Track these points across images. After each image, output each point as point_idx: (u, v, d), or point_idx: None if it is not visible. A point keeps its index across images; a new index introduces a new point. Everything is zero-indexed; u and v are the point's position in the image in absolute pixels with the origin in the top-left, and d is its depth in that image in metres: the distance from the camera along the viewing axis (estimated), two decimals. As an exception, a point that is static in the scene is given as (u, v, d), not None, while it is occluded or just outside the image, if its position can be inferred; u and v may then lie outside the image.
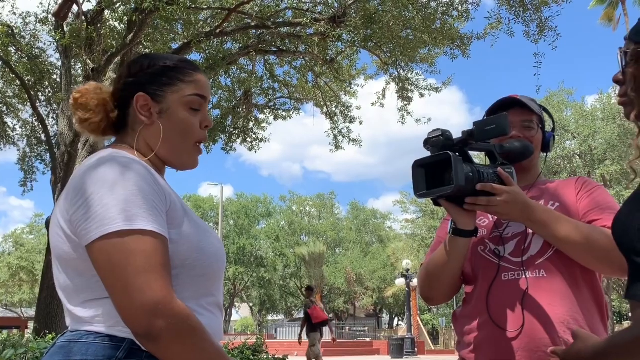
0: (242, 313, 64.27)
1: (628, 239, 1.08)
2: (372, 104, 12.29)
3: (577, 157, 23.87)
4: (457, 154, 1.58)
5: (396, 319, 53.94)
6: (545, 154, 1.94)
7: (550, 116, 2.00)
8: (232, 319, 57.25)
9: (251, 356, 7.09)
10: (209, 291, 1.23)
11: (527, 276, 1.66)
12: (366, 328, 46.35)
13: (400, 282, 29.34)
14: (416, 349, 26.57)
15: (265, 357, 7.41)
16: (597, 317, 1.68)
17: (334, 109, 12.76)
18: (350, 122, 12.59)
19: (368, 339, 37.50)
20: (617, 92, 1.23)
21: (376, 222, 53.54)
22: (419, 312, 33.61)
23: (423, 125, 12.76)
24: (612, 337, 1.07)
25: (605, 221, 1.65)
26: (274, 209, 52.51)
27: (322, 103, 12.80)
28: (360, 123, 12.67)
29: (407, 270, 27.59)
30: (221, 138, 11.95)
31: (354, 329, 45.65)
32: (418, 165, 1.60)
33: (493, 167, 1.65)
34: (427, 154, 1.62)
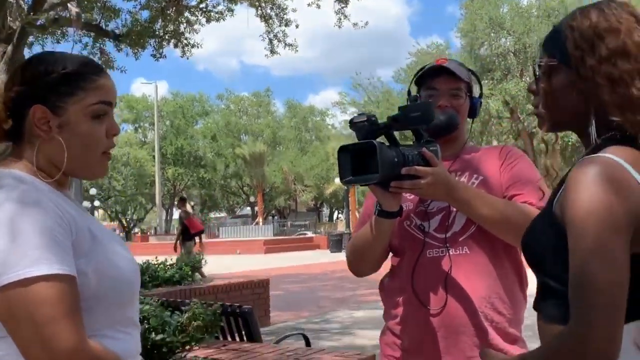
0: (183, 212, 64.49)
1: (539, 261, 1.11)
2: (308, 5, 11.87)
3: (512, 55, 24.18)
4: (383, 135, 1.56)
5: (336, 212, 55.68)
6: (472, 120, 1.92)
7: (478, 81, 1.96)
8: (174, 217, 57.55)
9: (189, 272, 7.20)
10: (124, 315, 1.19)
11: (451, 253, 1.69)
12: (307, 222, 47.73)
13: (339, 180, 29.93)
14: (354, 243, 27.63)
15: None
16: (516, 286, 1.75)
17: (269, 10, 12.25)
18: (286, 25, 12.16)
19: (309, 233, 38.72)
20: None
21: (315, 120, 53.58)
22: (357, 207, 34.66)
23: (360, 29, 12.45)
24: (523, 356, 1.11)
25: (525, 197, 1.68)
26: (210, 107, 51.52)
27: (256, 4, 12.25)
28: (297, 27, 12.26)
29: (346, 170, 28.06)
30: (150, 44, 11.34)
31: (296, 223, 46.95)
32: (343, 150, 1.56)
33: (418, 147, 1.62)
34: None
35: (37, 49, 10.60)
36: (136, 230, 52.24)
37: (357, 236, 1.80)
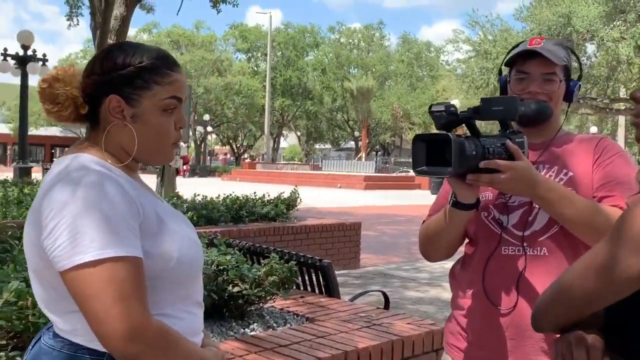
0: (290, 141, 66.34)
1: None
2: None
3: None
4: (463, 125, 1.47)
5: (441, 152, 54.52)
6: (568, 104, 1.74)
7: (579, 61, 1.76)
8: (281, 146, 59.11)
9: (285, 210, 7.37)
10: (186, 294, 1.25)
11: (528, 254, 1.58)
12: (411, 160, 47.27)
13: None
14: (457, 186, 27.13)
15: (296, 211, 7.68)
16: None
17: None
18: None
19: (411, 172, 38.34)
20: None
21: (429, 57, 51.91)
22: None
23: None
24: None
25: (615, 200, 1.53)
26: (321, 39, 51.28)
27: None
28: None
29: (455, 111, 27.23)
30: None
31: (399, 160, 46.70)
32: (419, 140, 1.48)
33: (502, 137, 1.50)
34: None
35: None
36: (245, 156, 54.31)
37: (430, 222, 1.72)
